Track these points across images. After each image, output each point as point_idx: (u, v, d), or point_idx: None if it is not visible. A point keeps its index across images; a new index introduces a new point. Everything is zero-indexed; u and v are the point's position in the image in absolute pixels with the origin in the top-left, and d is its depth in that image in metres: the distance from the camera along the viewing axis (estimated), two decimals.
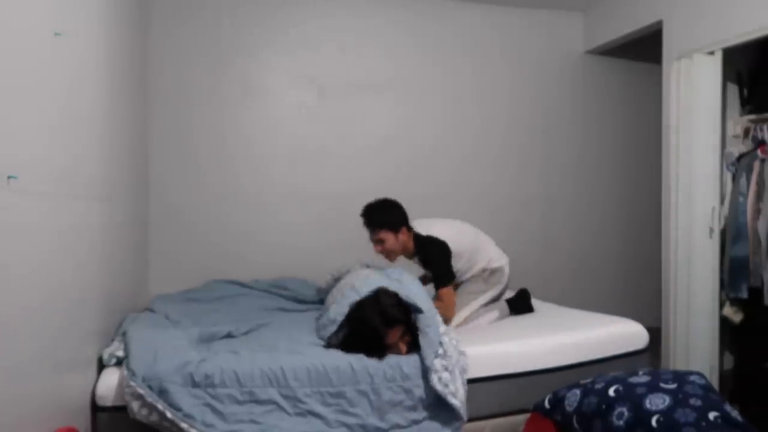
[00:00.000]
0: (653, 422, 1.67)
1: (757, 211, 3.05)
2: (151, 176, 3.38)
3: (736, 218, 3.09)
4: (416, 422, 2.01)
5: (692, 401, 1.71)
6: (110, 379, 1.91)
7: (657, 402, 1.72)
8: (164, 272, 3.37)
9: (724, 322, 3.16)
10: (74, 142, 1.75)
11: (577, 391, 1.94)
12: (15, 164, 1.25)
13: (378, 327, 2.09)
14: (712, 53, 3.07)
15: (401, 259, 2.78)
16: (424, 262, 2.73)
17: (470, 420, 2.15)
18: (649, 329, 2.60)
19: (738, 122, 3.33)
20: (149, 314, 2.55)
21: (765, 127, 3.13)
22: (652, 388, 1.79)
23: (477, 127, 4.02)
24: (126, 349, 1.98)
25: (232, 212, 3.55)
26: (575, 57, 4.24)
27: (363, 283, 2.31)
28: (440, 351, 2.06)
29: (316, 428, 1.90)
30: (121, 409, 1.85)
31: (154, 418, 1.81)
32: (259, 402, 1.88)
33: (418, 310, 2.17)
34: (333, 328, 2.20)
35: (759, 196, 3.06)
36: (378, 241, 2.65)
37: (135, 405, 1.80)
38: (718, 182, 3.13)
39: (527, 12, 4.11)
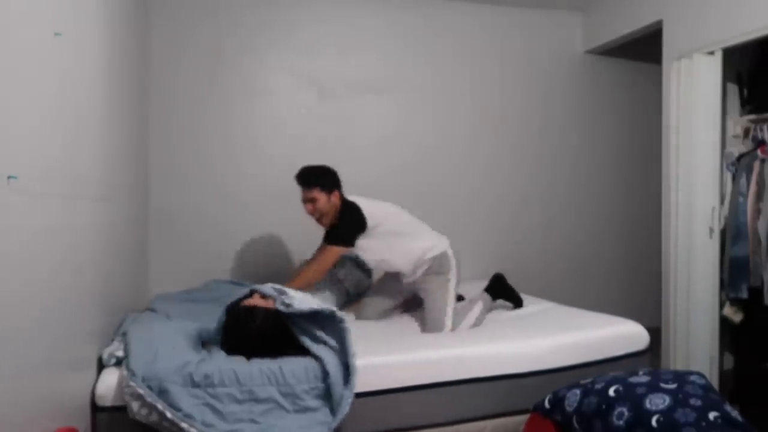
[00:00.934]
0: (653, 422, 1.67)
1: (757, 211, 3.06)
2: (151, 176, 3.38)
3: (736, 218, 3.09)
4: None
5: (692, 401, 1.71)
6: (110, 379, 1.91)
7: (657, 402, 1.72)
8: (164, 272, 3.37)
9: (724, 322, 3.16)
10: (74, 143, 1.75)
11: (577, 391, 1.93)
12: (15, 164, 1.25)
13: (240, 311, 2.14)
14: (712, 53, 3.07)
15: None
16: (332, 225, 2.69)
17: (470, 420, 2.15)
18: (649, 329, 2.58)
19: (738, 122, 3.33)
20: (150, 314, 2.55)
21: (765, 127, 3.13)
22: (652, 388, 1.79)
23: (476, 127, 4.02)
24: (126, 349, 1.99)
25: (232, 212, 3.54)
26: (575, 57, 4.23)
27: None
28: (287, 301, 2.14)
29: (315, 422, 1.91)
30: (120, 409, 1.85)
31: (154, 418, 1.81)
32: (258, 401, 1.90)
33: (282, 292, 2.22)
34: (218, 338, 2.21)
35: (759, 196, 3.06)
36: (310, 200, 2.65)
37: (135, 405, 1.81)
38: (718, 182, 3.13)
39: (527, 12, 4.10)
